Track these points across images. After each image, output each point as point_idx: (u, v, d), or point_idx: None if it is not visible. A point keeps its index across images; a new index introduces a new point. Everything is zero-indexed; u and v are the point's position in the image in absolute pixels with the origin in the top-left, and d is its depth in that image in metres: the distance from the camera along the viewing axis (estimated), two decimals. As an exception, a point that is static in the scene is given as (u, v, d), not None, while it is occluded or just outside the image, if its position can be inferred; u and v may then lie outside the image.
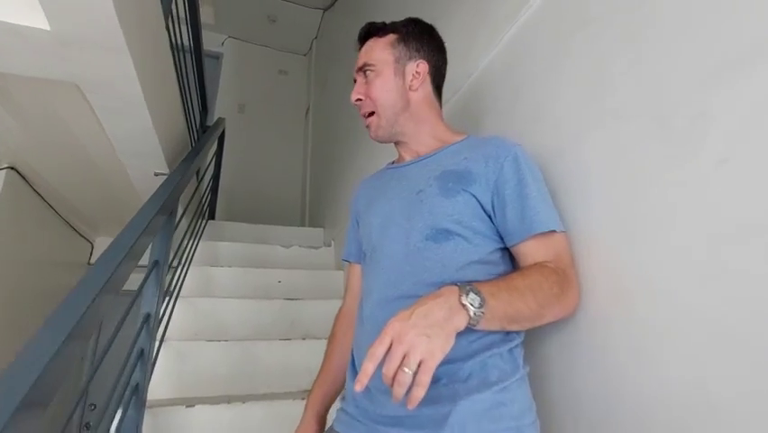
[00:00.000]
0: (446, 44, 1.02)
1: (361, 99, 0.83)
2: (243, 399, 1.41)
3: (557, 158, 0.81)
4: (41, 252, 2.53)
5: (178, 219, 1.62)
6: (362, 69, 0.84)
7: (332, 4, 3.73)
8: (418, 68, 0.83)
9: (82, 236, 2.99)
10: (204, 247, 2.37)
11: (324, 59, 4.04)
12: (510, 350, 0.66)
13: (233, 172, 3.85)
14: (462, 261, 0.68)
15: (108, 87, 1.16)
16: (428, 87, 0.85)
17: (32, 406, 0.55)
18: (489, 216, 0.71)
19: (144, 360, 1.22)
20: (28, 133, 1.72)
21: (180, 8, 1.98)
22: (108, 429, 0.97)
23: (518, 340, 0.68)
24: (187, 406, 1.33)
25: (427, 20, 0.90)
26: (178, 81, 2.00)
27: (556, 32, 0.86)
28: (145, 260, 1.29)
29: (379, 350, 0.49)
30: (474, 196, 0.71)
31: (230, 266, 2.22)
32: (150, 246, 1.31)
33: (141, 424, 1.17)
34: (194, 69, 2.40)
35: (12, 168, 2.07)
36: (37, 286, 2.51)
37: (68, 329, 0.68)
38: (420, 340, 0.48)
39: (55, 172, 2.05)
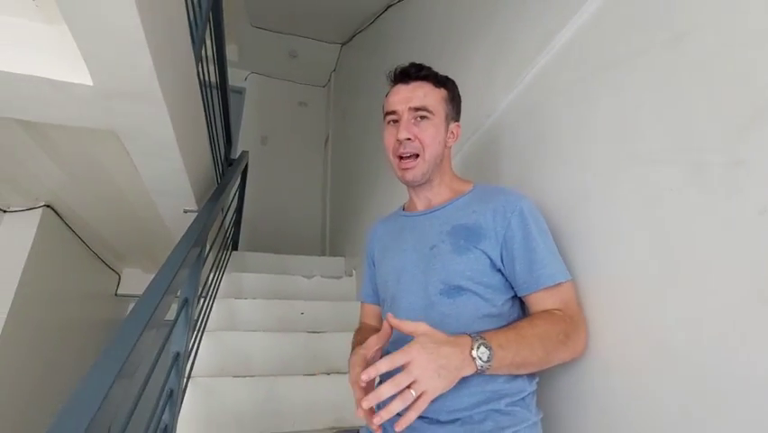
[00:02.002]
0: (467, 82, 1.01)
1: (410, 139, 0.81)
2: (270, 439, 1.40)
3: (582, 201, 0.80)
4: (72, 284, 2.61)
5: (206, 254, 1.65)
6: (418, 110, 0.82)
7: (349, 39, 3.85)
8: (456, 129, 0.88)
9: (110, 268, 3.07)
10: (228, 279, 2.40)
11: (341, 89, 4.15)
12: (523, 398, 0.70)
13: (256, 203, 3.92)
14: (475, 314, 0.73)
15: (144, 133, 1.21)
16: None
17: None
18: (500, 270, 0.75)
19: (173, 401, 1.22)
20: (65, 174, 1.80)
21: (208, 48, 2.07)
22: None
23: (530, 390, 0.72)
24: (214, 447, 1.32)
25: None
26: (206, 119, 2.07)
27: (580, 72, 0.86)
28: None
29: (397, 361, 0.55)
30: (485, 252, 0.75)
31: (254, 298, 2.23)
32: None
33: (170, 467, 1.17)
34: (219, 105, 2.49)
35: (48, 206, 2.17)
36: (67, 316, 2.58)
37: (118, 367, 0.67)
38: (432, 376, 0.54)
39: (89, 208, 2.14)
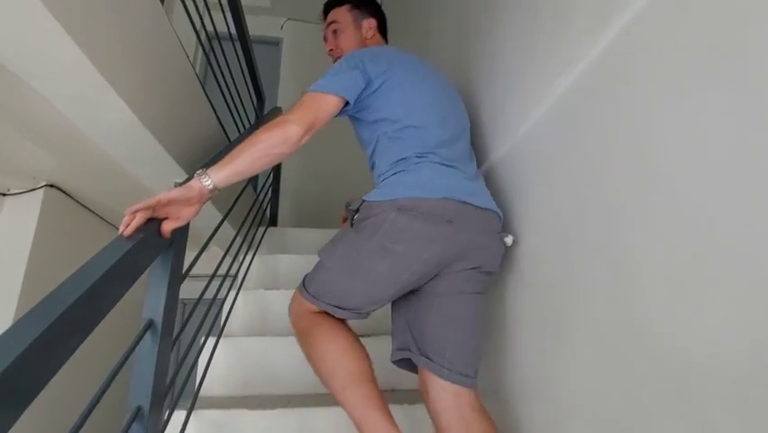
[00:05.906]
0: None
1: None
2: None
3: None
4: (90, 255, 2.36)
5: (206, 241, 1.22)
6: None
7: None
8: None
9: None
10: (260, 263, 2.00)
11: (389, 30, 3.44)
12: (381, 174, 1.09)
13: (300, 171, 3.46)
14: None
15: (40, 58, 0.73)
16: None
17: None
18: None
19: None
20: (45, 149, 1.43)
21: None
22: None
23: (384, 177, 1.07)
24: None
25: None
26: (217, 70, 1.61)
27: None
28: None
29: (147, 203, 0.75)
30: None
31: (287, 289, 1.79)
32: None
33: None
34: (238, 58, 2.01)
35: (51, 186, 1.86)
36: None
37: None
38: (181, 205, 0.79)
39: (82, 181, 1.81)
